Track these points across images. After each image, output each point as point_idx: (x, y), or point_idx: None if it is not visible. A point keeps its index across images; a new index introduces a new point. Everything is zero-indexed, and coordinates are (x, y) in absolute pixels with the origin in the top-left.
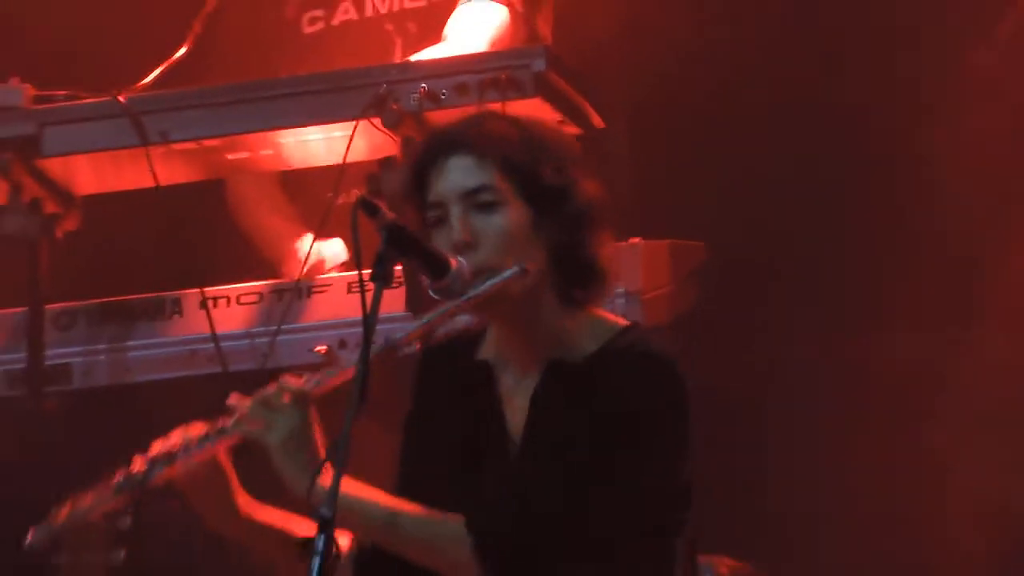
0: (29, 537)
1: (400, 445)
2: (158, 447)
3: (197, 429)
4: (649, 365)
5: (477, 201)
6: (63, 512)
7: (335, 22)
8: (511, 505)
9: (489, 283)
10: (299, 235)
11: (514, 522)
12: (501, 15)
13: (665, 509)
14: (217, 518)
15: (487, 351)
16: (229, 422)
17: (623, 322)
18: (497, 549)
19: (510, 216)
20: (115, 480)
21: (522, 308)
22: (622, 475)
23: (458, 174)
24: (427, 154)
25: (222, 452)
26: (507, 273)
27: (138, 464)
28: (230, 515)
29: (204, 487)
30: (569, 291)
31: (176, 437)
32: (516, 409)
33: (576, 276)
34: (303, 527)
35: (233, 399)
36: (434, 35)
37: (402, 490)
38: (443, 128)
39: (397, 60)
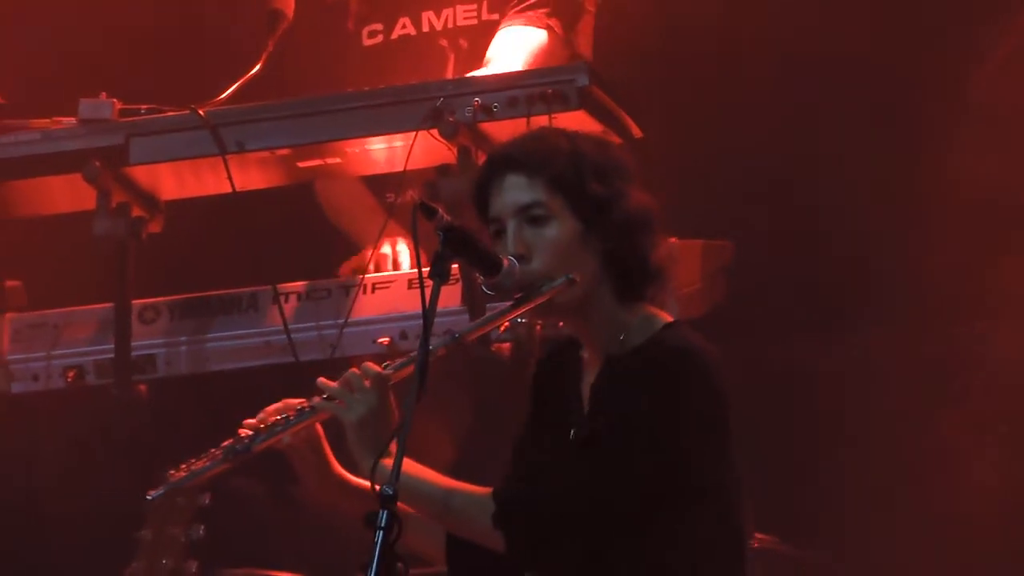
0: (150, 493)
1: (515, 439)
2: (261, 419)
3: (292, 405)
4: (679, 356)
5: (529, 216)
6: (179, 472)
7: (394, 36)
8: (534, 480)
9: (541, 290)
10: (382, 226)
11: (532, 494)
12: (540, 37)
13: (686, 487)
14: (314, 481)
15: (584, 350)
16: (317, 401)
17: (668, 318)
18: (515, 517)
19: (560, 228)
20: (223, 446)
21: (583, 309)
22: (633, 455)
23: (512, 192)
24: (487, 174)
25: (317, 424)
26: (555, 283)
27: (243, 433)
28: (326, 478)
29: (302, 453)
30: (623, 291)
31: (276, 410)
32: (588, 401)
33: (627, 278)
34: None
35: (321, 380)
36: (483, 51)
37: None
38: (500, 149)
39: (450, 73)
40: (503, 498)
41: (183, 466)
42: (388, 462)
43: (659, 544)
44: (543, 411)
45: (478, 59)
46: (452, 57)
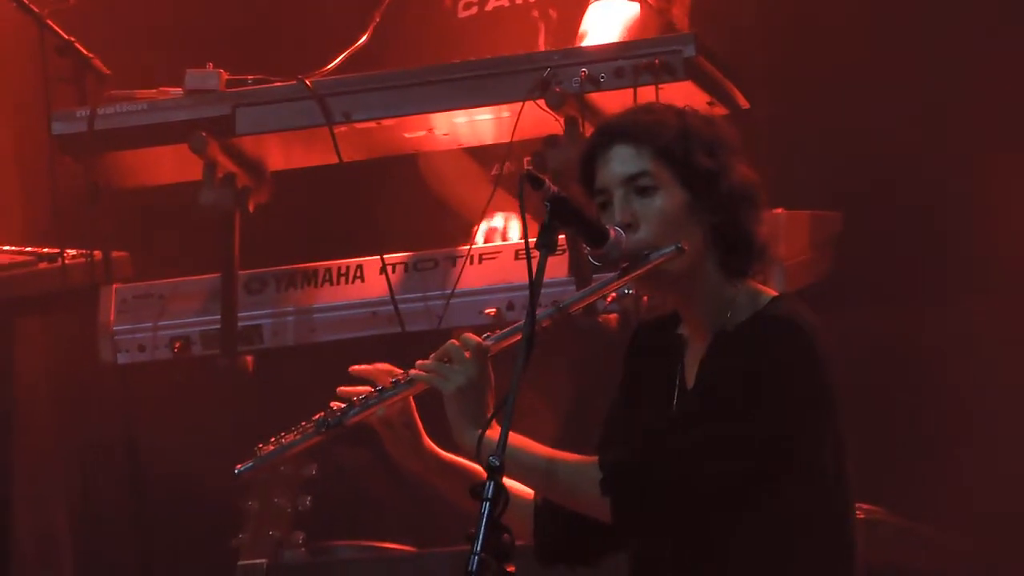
0: (238, 468)
1: (607, 409)
2: (354, 392)
3: (387, 377)
4: (784, 328)
5: (636, 186)
6: (268, 446)
7: (488, 8)
8: (641, 449)
9: (650, 259)
10: (486, 200)
11: (640, 462)
12: (633, 10)
13: (790, 459)
14: (405, 455)
15: (684, 327)
16: (414, 372)
17: (773, 292)
18: (622, 485)
19: (667, 199)
20: (315, 419)
21: (687, 283)
22: (740, 426)
23: (619, 162)
24: (593, 145)
25: (409, 397)
26: (664, 251)
27: (336, 406)
28: (417, 453)
29: (394, 427)
30: (728, 266)
31: (369, 383)
32: (692, 377)
33: (733, 252)
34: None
35: (419, 361)
36: (572, 22)
37: (601, 451)
38: (607, 121)
39: (541, 44)
40: (610, 466)
41: (272, 439)
42: (488, 434)
43: (762, 516)
44: (639, 382)
45: (568, 29)
46: (543, 28)
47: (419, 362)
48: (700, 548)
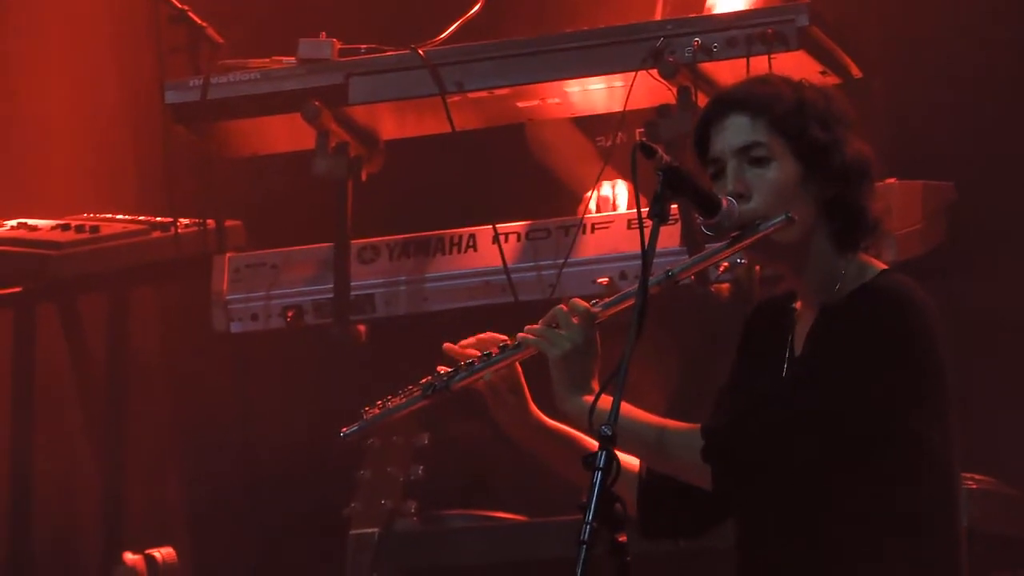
0: (344, 430)
1: (724, 384)
2: (461, 353)
3: (495, 342)
4: (889, 299)
5: (750, 156)
6: (374, 409)
7: None
8: (743, 416)
9: (760, 229)
10: (596, 172)
11: (741, 429)
12: None
13: (891, 432)
14: (511, 422)
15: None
16: (521, 336)
17: (883, 266)
18: (722, 452)
19: (780, 170)
20: (421, 383)
21: (797, 254)
22: (841, 396)
23: (733, 132)
24: (709, 114)
25: (517, 364)
26: (775, 220)
27: (442, 371)
28: (523, 420)
29: (500, 393)
30: (840, 239)
31: (476, 348)
32: (801, 348)
33: (845, 225)
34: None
35: (528, 326)
36: None
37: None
38: (724, 90)
39: (658, 15)
40: (711, 433)
41: (379, 403)
42: (590, 399)
43: (865, 487)
44: (751, 358)
45: (688, 3)
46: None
47: (527, 327)
48: (803, 517)
